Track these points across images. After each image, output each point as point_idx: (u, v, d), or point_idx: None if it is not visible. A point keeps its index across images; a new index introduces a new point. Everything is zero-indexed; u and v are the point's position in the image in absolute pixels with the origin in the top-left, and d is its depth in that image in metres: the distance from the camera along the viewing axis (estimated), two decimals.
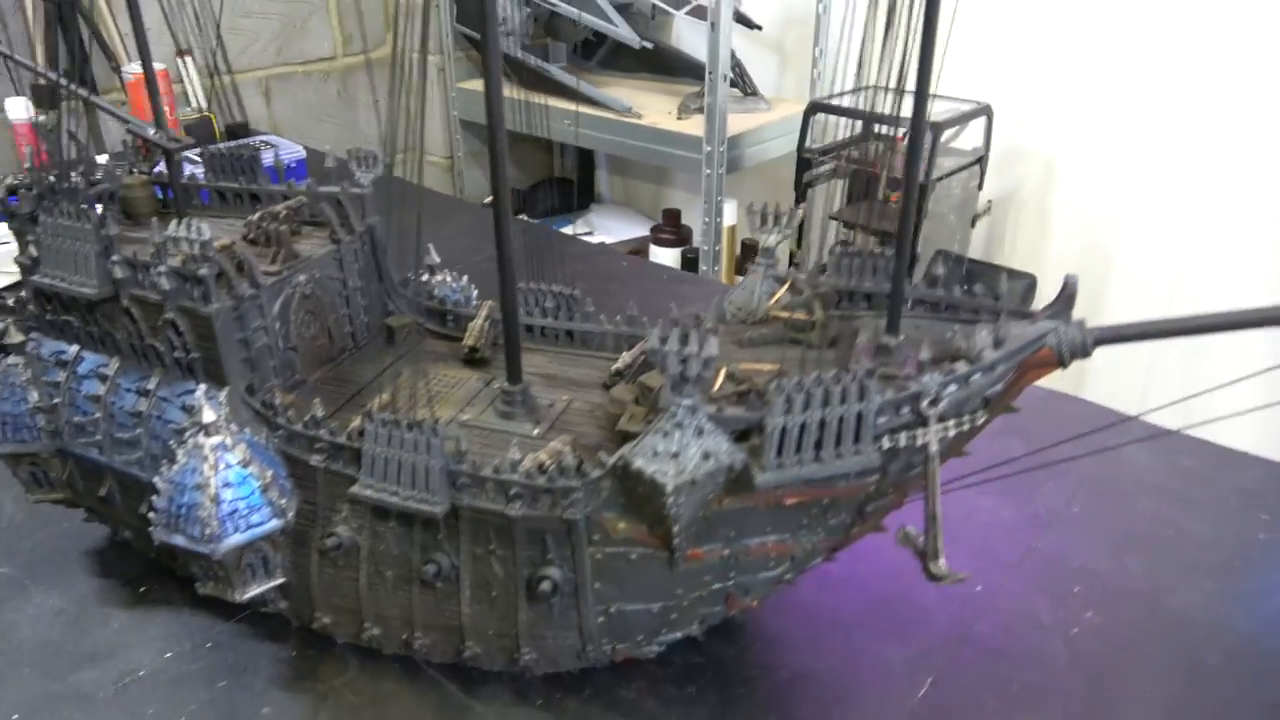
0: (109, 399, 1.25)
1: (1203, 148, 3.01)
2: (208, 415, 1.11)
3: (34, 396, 1.28)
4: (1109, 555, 1.43)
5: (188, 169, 1.49)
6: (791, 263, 3.08)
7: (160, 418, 1.21)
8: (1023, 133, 3.44)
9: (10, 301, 2.11)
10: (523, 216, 4.25)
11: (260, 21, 4.23)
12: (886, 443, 0.98)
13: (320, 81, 4.39)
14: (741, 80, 3.81)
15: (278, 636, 1.28)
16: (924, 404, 0.96)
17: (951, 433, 0.98)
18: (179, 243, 1.11)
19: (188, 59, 3.39)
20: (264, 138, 3.24)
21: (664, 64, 4.26)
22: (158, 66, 2.47)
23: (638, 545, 1.08)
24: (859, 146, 3.25)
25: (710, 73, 3.41)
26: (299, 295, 1.29)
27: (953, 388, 0.97)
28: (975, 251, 3.50)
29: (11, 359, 1.29)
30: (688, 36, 4.33)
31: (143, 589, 1.37)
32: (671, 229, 4.16)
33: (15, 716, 1.17)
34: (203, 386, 1.17)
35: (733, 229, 3.85)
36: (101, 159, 1.49)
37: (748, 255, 3.92)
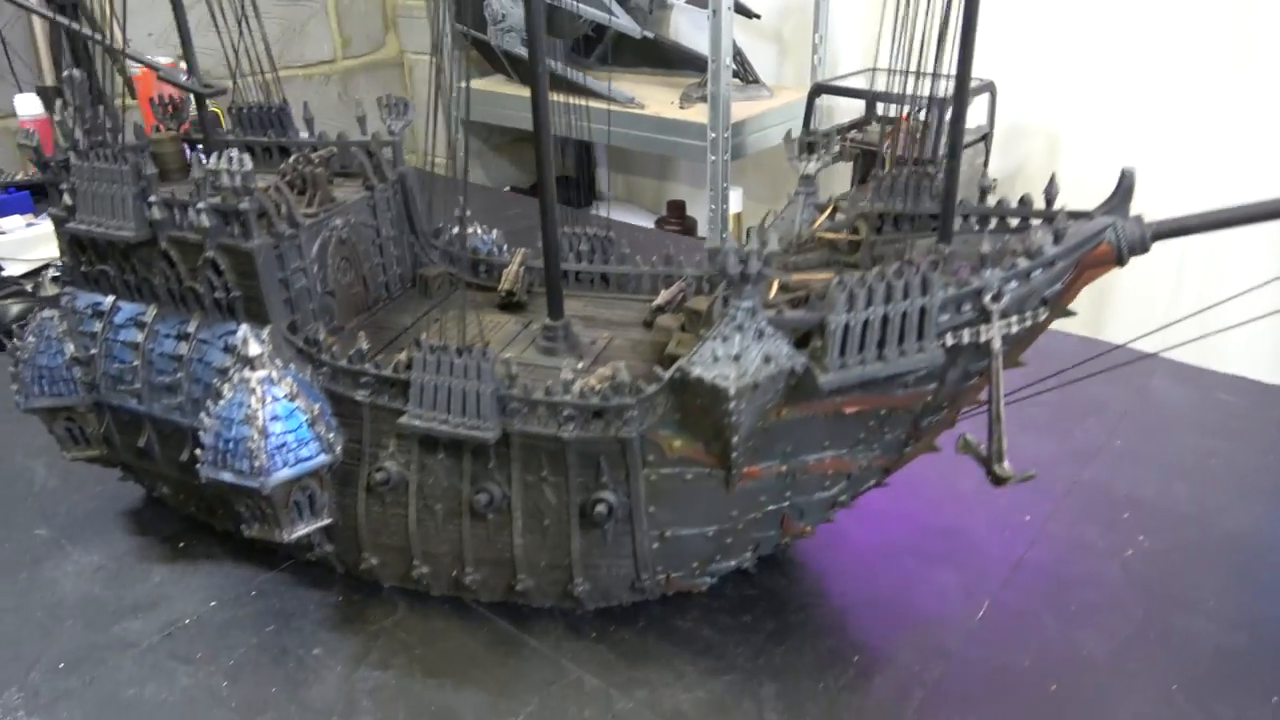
0: (147, 346, 1.23)
1: (1207, 122, 3.01)
2: (253, 349, 1.09)
3: (70, 349, 1.26)
4: (1156, 484, 1.42)
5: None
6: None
7: (201, 360, 1.20)
8: (1026, 109, 3.45)
9: (29, 287, 2.11)
10: None
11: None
12: (949, 339, 0.96)
13: (321, 84, 4.39)
14: (742, 69, 3.82)
15: (322, 584, 1.27)
16: (987, 299, 0.95)
17: (1014, 329, 0.97)
18: (220, 175, 1.10)
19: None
20: None
21: (663, 58, 4.27)
22: (164, 59, 2.47)
23: (693, 464, 1.07)
24: (863, 129, 3.27)
25: (713, 60, 3.42)
26: (335, 240, 1.28)
27: (1014, 284, 0.97)
28: None
29: (46, 312, 1.27)
30: (685, 30, 4.35)
31: (182, 544, 1.35)
32: (676, 220, 4.16)
33: (61, 665, 1.15)
34: (245, 325, 1.16)
35: (738, 216, 3.85)
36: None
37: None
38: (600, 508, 1.08)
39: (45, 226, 2.36)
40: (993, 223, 1.09)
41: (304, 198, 1.28)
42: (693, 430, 1.04)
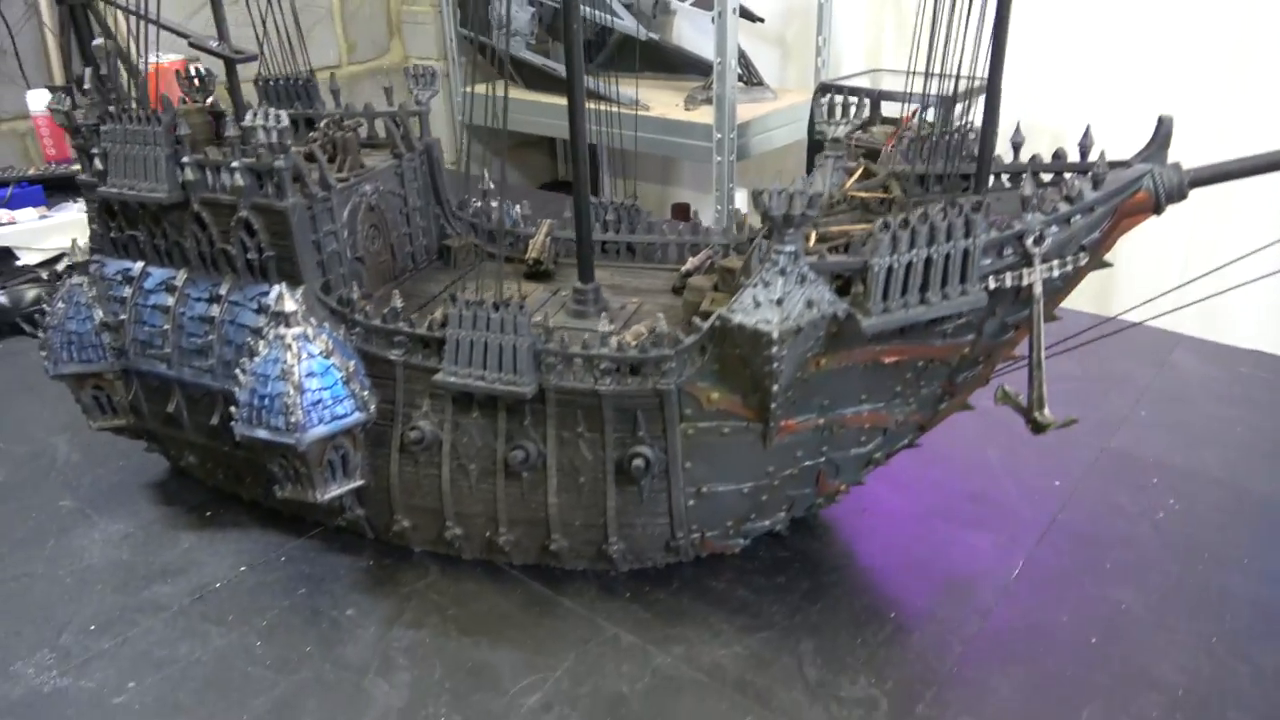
0: (178, 310, 1.23)
1: (1209, 118, 3.03)
2: (289, 305, 1.09)
3: (99, 314, 1.26)
4: (1183, 451, 1.42)
5: None
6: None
7: (233, 322, 1.20)
8: (1029, 108, 3.47)
9: (44, 275, 2.11)
10: None
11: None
12: (991, 283, 0.96)
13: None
14: (746, 71, 3.85)
15: (351, 549, 1.26)
16: (1029, 241, 0.95)
17: (1055, 272, 0.97)
18: (256, 132, 1.10)
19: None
20: None
21: (666, 62, 4.29)
22: (175, 57, 2.47)
23: (731, 418, 1.07)
24: (867, 129, 3.28)
25: (719, 61, 3.44)
26: (365, 206, 1.28)
27: (1054, 228, 0.97)
28: None
29: (75, 278, 1.27)
30: (688, 35, 4.38)
31: (209, 513, 1.34)
32: (681, 221, 4.17)
33: (92, 627, 1.14)
34: (281, 284, 1.16)
35: (744, 216, 3.87)
36: None
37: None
38: (638, 461, 1.07)
39: (57, 218, 2.36)
40: (1025, 179, 1.09)
41: (334, 164, 1.28)
42: (731, 382, 1.04)
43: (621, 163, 5.04)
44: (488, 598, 1.17)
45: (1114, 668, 1.05)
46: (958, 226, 0.93)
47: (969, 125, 1.15)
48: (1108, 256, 1.05)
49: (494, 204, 1.50)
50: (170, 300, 1.24)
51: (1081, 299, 1.18)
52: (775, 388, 1.00)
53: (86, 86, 1.28)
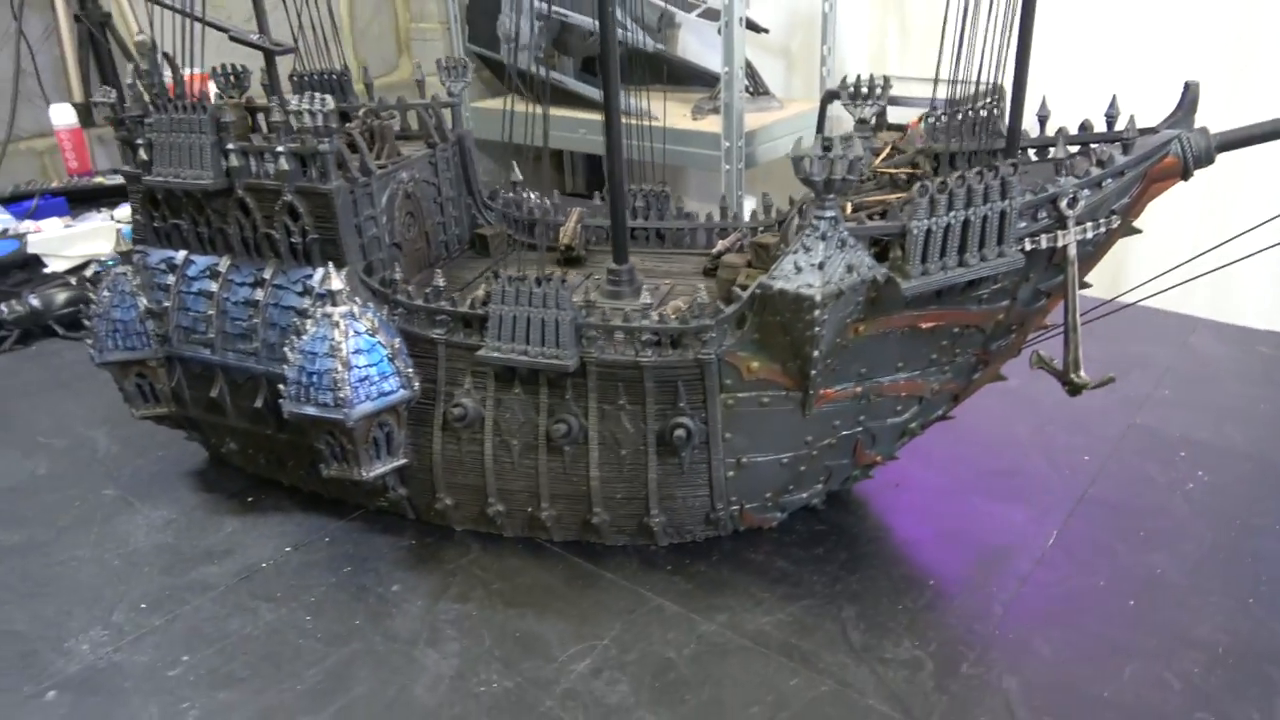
0: (221, 295, 1.26)
1: (1227, 87, 3.05)
2: (335, 283, 1.12)
3: (143, 302, 1.28)
4: (1209, 427, 1.44)
5: None
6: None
7: (277, 305, 1.22)
8: (1051, 84, 3.50)
9: (73, 281, 2.13)
10: None
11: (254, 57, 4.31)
12: (1028, 245, 0.99)
13: None
14: (752, 81, 3.89)
15: (393, 530, 1.28)
16: (1063, 204, 0.98)
17: (1089, 234, 1.00)
18: (302, 115, 1.13)
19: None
20: None
21: (671, 74, 4.35)
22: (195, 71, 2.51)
23: (770, 387, 1.09)
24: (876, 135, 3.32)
25: (726, 69, 3.49)
26: (402, 193, 1.31)
27: (1087, 192, 0.99)
28: None
29: (119, 267, 1.29)
30: (693, 47, 4.43)
31: (250, 499, 1.36)
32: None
33: (143, 605, 1.15)
34: (328, 265, 1.18)
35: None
36: None
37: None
38: (679, 431, 1.09)
39: (81, 228, 2.39)
40: (1059, 142, 1.11)
41: (371, 152, 1.31)
42: (771, 351, 1.06)
43: (632, 171, 5.08)
44: (531, 572, 1.19)
45: (1153, 629, 1.06)
46: (994, 189, 0.96)
47: (995, 102, 1.17)
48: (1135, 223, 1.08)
49: (526, 195, 1.53)
50: (214, 286, 1.26)
51: (1096, 287, 1.18)
52: (816, 354, 1.02)
53: (130, 81, 1.31)
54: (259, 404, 1.26)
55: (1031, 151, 1.17)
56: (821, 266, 0.96)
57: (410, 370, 1.14)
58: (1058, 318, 1.11)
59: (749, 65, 3.90)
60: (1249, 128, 1.00)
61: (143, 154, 1.26)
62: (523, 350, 1.12)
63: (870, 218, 1.04)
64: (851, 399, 1.11)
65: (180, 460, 1.45)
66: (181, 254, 1.30)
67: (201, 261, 1.28)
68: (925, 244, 0.97)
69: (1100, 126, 1.10)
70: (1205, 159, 1.01)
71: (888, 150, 1.28)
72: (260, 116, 1.43)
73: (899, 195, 1.10)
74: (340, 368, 1.10)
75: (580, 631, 1.09)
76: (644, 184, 1.44)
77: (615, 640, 1.07)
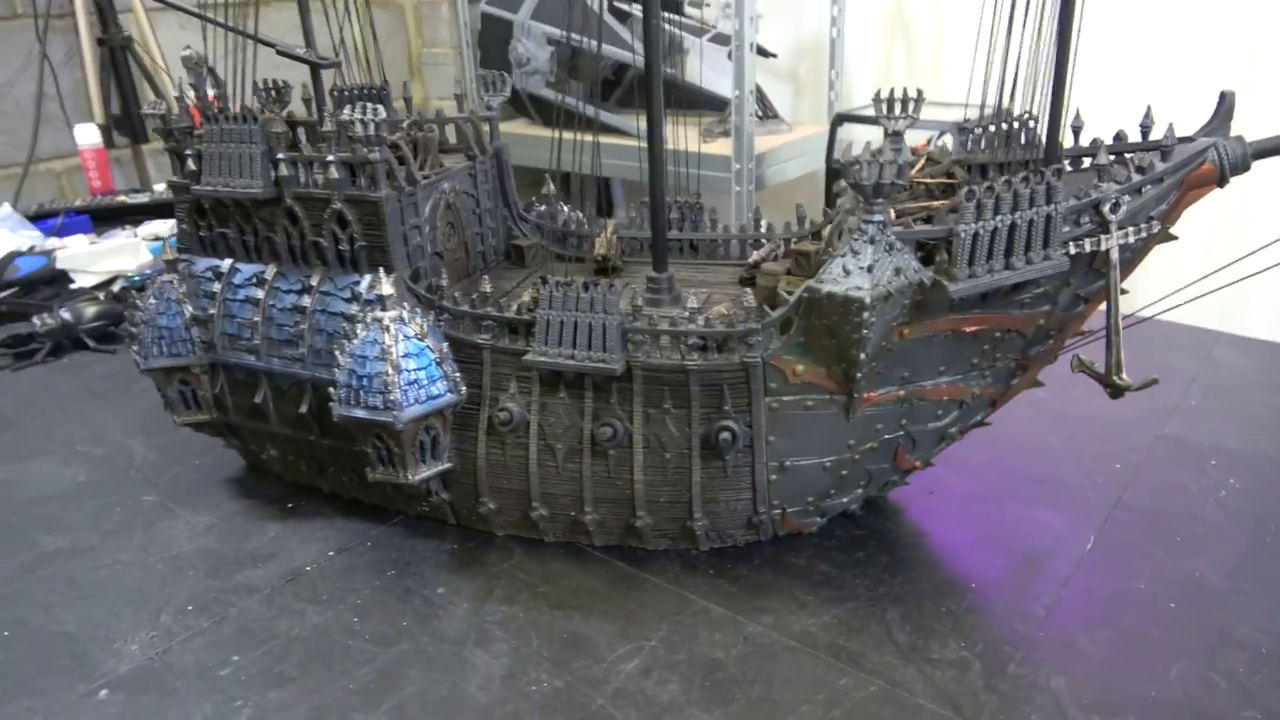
0: (268, 302, 1.27)
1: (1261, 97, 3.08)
2: (386, 289, 1.13)
3: (189, 310, 1.30)
4: (1238, 436, 1.45)
5: None
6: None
7: (324, 311, 1.24)
8: (1084, 97, 3.53)
9: (101, 296, 2.15)
10: None
11: (289, 73, 4.36)
12: (1072, 248, 1.01)
13: None
14: (761, 104, 3.94)
15: (435, 535, 1.29)
16: (1105, 208, 1.00)
17: (1131, 239, 1.02)
18: (354, 125, 1.15)
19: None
20: None
21: (680, 98, 4.39)
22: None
23: (814, 391, 1.10)
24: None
25: (736, 93, 3.54)
26: (444, 203, 1.33)
27: (1128, 197, 1.02)
28: None
29: (165, 275, 1.31)
30: (700, 71, 4.48)
31: (290, 505, 1.37)
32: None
33: (190, 607, 1.16)
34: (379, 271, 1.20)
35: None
36: None
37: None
38: (725, 434, 1.11)
39: (106, 244, 2.41)
40: (1100, 150, 1.14)
41: (415, 162, 1.33)
42: (816, 354, 1.08)
43: (637, 194, 5.12)
44: (575, 576, 1.20)
45: (1196, 630, 1.07)
46: (1040, 193, 0.98)
47: (1030, 115, 1.20)
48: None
49: (560, 207, 1.56)
50: (260, 293, 1.28)
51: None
52: (863, 356, 1.04)
53: (178, 94, 1.33)
54: (303, 409, 1.28)
55: (1066, 162, 1.19)
56: (870, 270, 0.98)
57: (457, 374, 1.16)
58: (1091, 325, 1.13)
59: (758, 89, 3.95)
60: None
61: (191, 164, 1.29)
62: (569, 354, 1.13)
63: (914, 223, 1.06)
64: (894, 402, 1.13)
65: (218, 468, 1.47)
66: (227, 262, 1.32)
67: (247, 269, 1.30)
68: (972, 247, 0.99)
69: (1134, 137, 1.13)
70: (1241, 166, 1.04)
71: (922, 161, 1.30)
72: (300, 130, 1.46)
73: (941, 202, 1.12)
74: (390, 371, 1.11)
75: (627, 633, 1.10)
76: (679, 196, 1.46)
77: (663, 641, 1.08)
